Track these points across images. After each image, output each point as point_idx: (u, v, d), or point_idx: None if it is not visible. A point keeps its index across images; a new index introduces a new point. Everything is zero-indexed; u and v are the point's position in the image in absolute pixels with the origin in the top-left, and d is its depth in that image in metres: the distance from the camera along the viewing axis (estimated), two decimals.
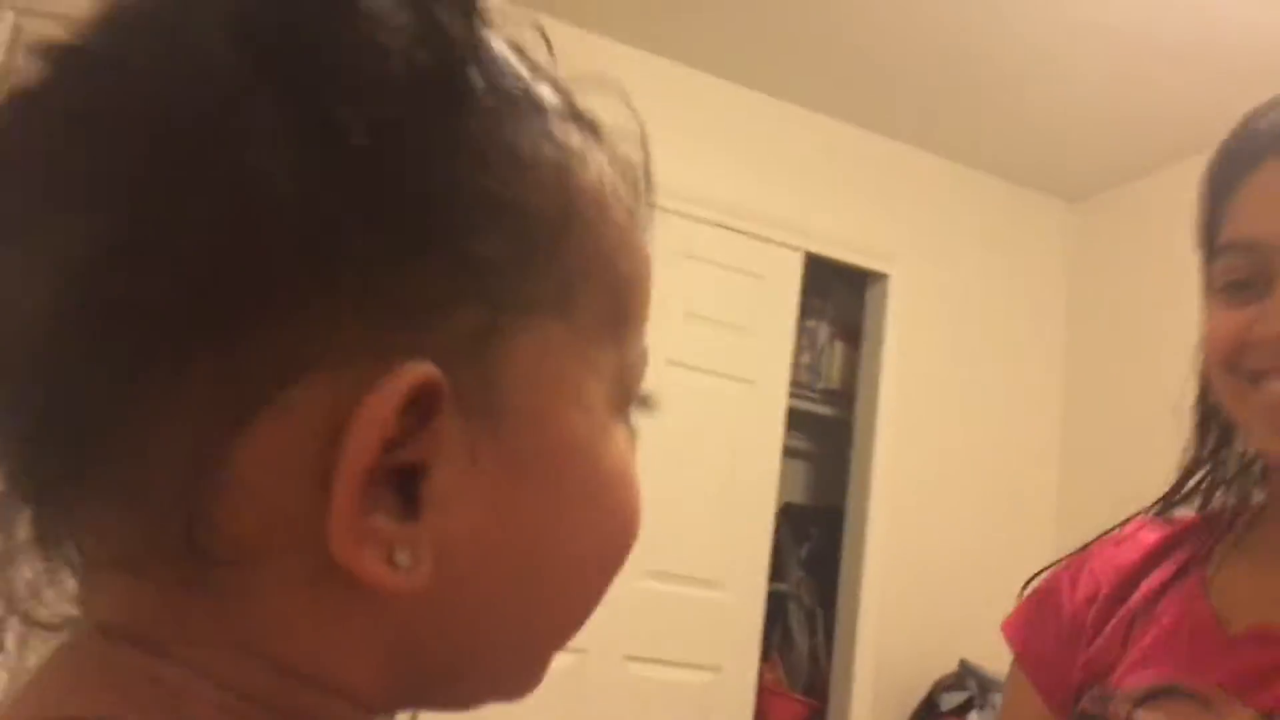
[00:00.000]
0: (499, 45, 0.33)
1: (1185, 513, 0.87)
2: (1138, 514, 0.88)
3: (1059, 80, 2.88)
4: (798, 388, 3.33)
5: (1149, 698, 0.73)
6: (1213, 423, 0.82)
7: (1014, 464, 3.33)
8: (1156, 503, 0.86)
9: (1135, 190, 3.27)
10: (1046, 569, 0.91)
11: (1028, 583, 0.93)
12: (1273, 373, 0.70)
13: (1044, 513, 3.24)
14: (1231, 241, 0.73)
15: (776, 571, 3.22)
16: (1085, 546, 0.89)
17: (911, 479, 3.18)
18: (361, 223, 0.29)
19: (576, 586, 0.37)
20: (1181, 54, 2.66)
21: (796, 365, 3.32)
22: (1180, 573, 0.80)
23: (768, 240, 3.13)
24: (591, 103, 0.38)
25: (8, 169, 0.31)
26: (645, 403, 0.39)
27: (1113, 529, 0.89)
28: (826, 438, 3.52)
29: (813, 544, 3.40)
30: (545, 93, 0.34)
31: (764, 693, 3.09)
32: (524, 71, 0.34)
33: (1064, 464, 3.35)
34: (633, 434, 0.38)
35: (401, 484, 0.30)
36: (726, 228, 3.08)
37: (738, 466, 3.00)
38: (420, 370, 0.29)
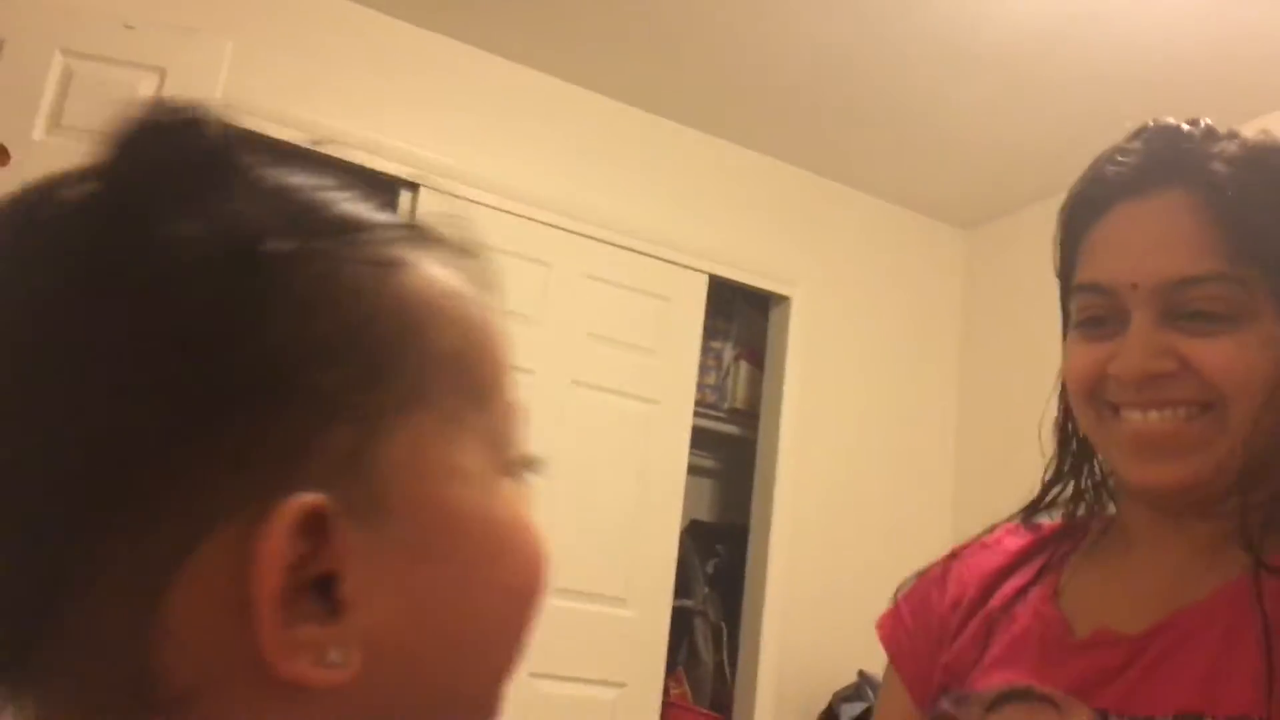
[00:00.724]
0: (287, 188, 0.38)
1: (1049, 520, 0.93)
2: (1005, 520, 0.93)
3: (953, 112, 3.01)
4: (704, 407, 3.40)
5: (1001, 700, 0.77)
6: (1072, 441, 0.87)
7: (910, 480, 3.44)
8: (1020, 511, 0.91)
9: (1025, 217, 3.41)
10: (920, 571, 0.96)
11: (904, 584, 0.98)
12: (1128, 405, 0.76)
13: (939, 528, 3.35)
14: (1085, 283, 0.79)
15: (683, 588, 3.27)
16: (956, 551, 0.94)
17: (813, 496, 3.26)
18: (216, 395, 0.33)
19: (500, 631, 0.41)
20: (1065, 86, 2.80)
21: (702, 385, 3.38)
22: (1036, 579, 0.85)
23: (673, 263, 3.20)
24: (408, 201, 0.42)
25: None
26: (529, 462, 0.43)
27: (981, 534, 0.94)
28: (732, 456, 3.59)
29: (719, 561, 3.45)
30: (354, 218, 0.39)
31: (669, 707, 3.13)
32: (324, 205, 0.38)
33: (958, 480, 3.47)
34: (521, 484, 0.42)
35: (321, 592, 0.35)
36: (632, 250, 3.13)
37: (644, 485, 3.05)
38: (302, 502, 0.34)
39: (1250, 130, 0.80)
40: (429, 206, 2.85)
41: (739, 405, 3.54)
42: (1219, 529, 0.75)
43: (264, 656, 0.33)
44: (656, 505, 3.06)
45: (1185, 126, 0.79)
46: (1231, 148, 0.76)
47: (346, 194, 0.40)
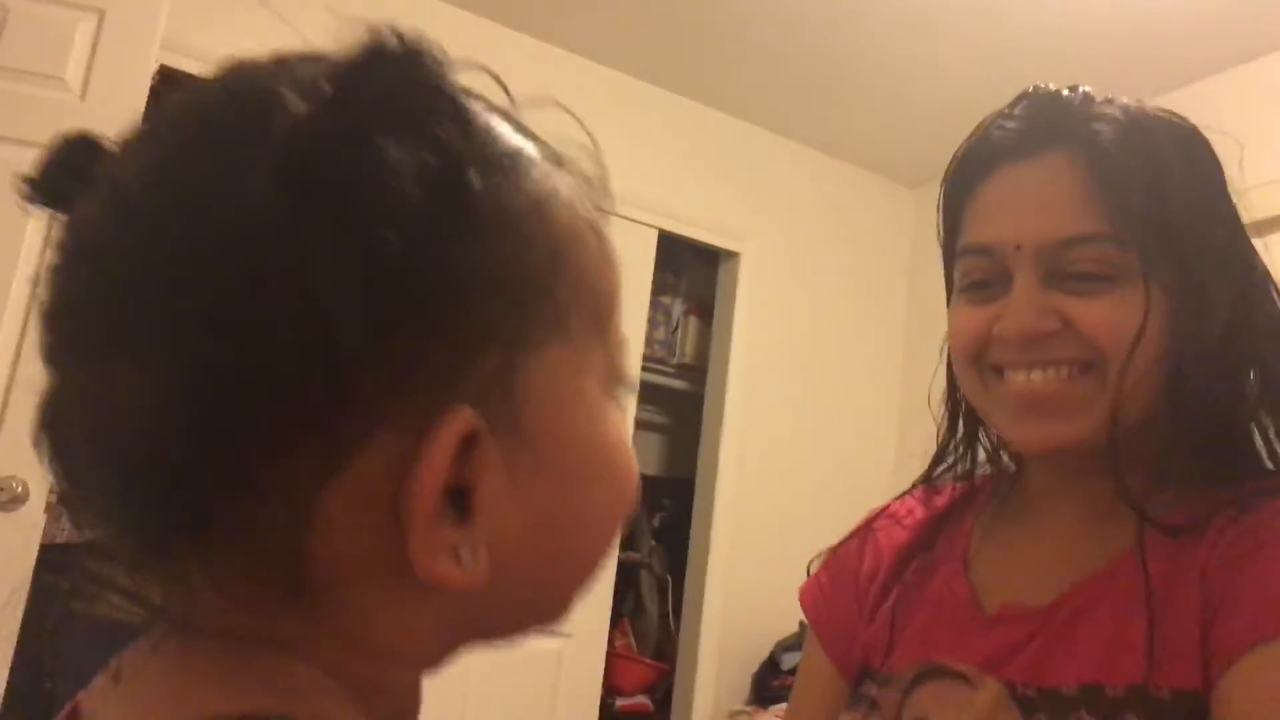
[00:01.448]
0: (483, 123, 0.40)
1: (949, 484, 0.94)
2: (912, 487, 0.94)
3: (905, 71, 3.02)
4: (653, 362, 3.41)
5: (918, 680, 0.78)
6: (962, 407, 0.88)
7: (854, 436, 3.49)
8: (918, 481, 0.93)
9: None
10: (836, 545, 0.95)
11: (821, 553, 0.98)
12: (1012, 366, 0.76)
13: (882, 483, 3.41)
14: (970, 245, 0.79)
15: (629, 541, 3.31)
16: (870, 522, 0.94)
17: (758, 450, 3.30)
18: (401, 316, 0.36)
19: (596, 540, 0.45)
20: (1017, 49, 2.82)
21: (651, 340, 3.40)
22: (945, 551, 0.87)
23: (622, 217, 3.19)
24: (537, 117, 0.44)
25: (91, 299, 0.37)
26: (628, 383, 0.46)
27: (893, 501, 0.95)
28: (681, 411, 3.61)
29: (665, 514, 3.50)
30: (520, 148, 0.41)
31: (614, 658, 3.18)
32: (503, 136, 0.40)
33: (901, 435, 3.52)
34: (622, 408, 0.45)
35: (455, 499, 0.38)
36: None
37: None
38: (461, 417, 0.37)
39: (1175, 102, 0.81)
40: None
41: (688, 360, 3.56)
42: (1113, 489, 0.75)
43: (409, 554, 0.37)
44: None
45: (1066, 92, 0.79)
46: (1112, 111, 0.77)
47: (509, 122, 0.42)
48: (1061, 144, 0.76)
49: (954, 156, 0.83)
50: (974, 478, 0.90)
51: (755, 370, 3.34)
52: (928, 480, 0.92)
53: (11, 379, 2.02)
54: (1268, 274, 0.79)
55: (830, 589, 0.92)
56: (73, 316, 0.38)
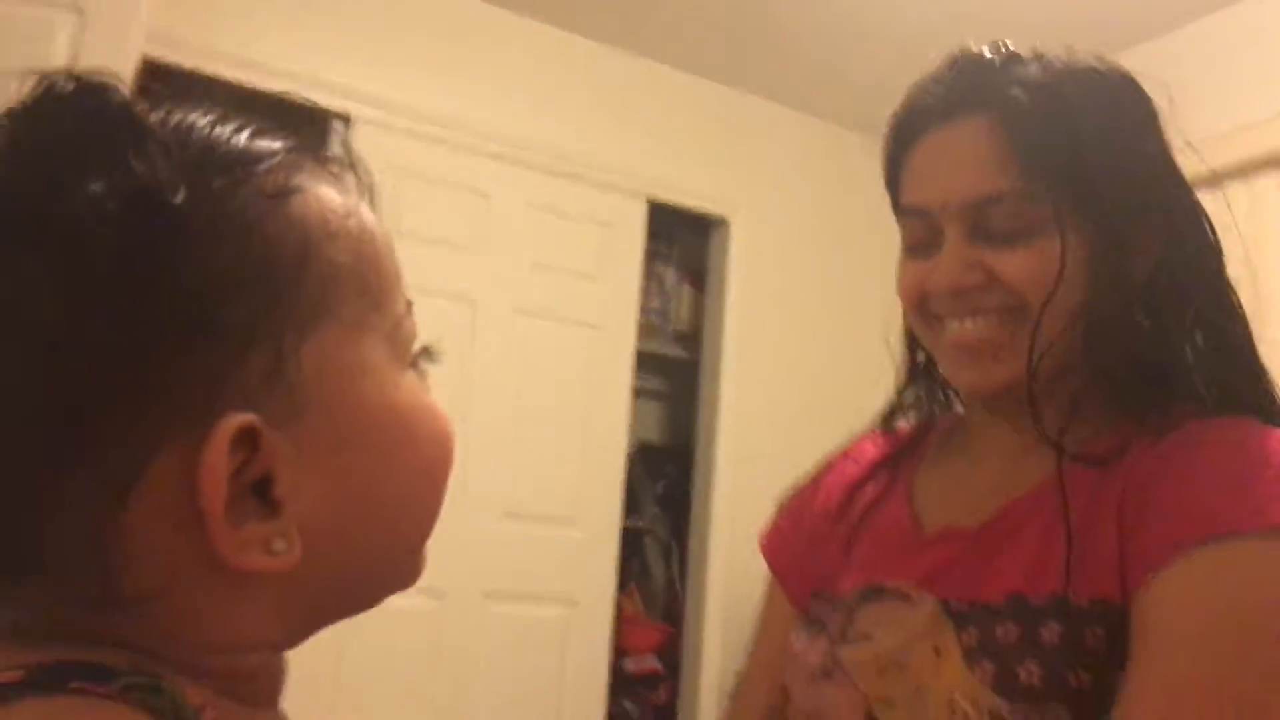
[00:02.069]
0: (197, 139, 0.42)
1: (906, 424, 0.99)
2: (870, 429, 1.00)
3: (890, 32, 3.02)
4: (649, 331, 3.45)
5: (863, 599, 0.83)
6: (918, 350, 0.94)
7: (849, 399, 3.50)
8: (877, 418, 0.98)
9: None
10: (800, 487, 1.02)
11: (786, 496, 1.04)
12: (949, 316, 0.82)
13: None
14: (905, 207, 0.86)
15: (633, 508, 3.36)
16: (826, 462, 1.01)
17: (756, 415, 3.34)
18: (134, 337, 0.38)
19: (418, 501, 0.48)
20: (1002, 7, 2.83)
21: (646, 309, 3.43)
22: (892, 483, 0.92)
23: (612, 188, 3.22)
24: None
25: None
26: (426, 353, 0.49)
27: (847, 443, 1.02)
28: (679, 379, 3.65)
29: (667, 481, 3.54)
30: (245, 155, 0.43)
31: (623, 622, 3.24)
32: (222, 148, 0.42)
33: None
34: (421, 374, 0.48)
35: (259, 493, 0.41)
36: (571, 177, 3.15)
37: (589, 409, 3.11)
38: (233, 421, 0.39)
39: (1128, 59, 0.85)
40: (363, 139, 2.85)
41: (684, 328, 3.60)
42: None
43: (219, 554, 0.40)
44: (602, 428, 3.13)
45: (988, 54, 0.84)
46: (1032, 71, 0.81)
47: (241, 129, 0.44)
48: (979, 107, 0.80)
49: (889, 121, 0.87)
50: (932, 417, 0.95)
51: (750, 336, 3.38)
52: (887, 420, 0.97)
53: None
54: (1198, 211, 0.83)
55: (786, 529, 0.99)
56: None
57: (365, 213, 0.47)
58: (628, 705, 3.25)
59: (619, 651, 3.19)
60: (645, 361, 3.40)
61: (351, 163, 0.49)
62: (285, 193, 0.43)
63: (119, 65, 2.33)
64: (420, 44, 3.01)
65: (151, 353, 0.38)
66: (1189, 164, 0.84)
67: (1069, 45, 0.84)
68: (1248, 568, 0.68)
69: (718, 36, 3.17)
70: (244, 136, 0.43)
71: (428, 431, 0.47)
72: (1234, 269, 0.83)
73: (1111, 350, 0.79)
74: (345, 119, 2.84)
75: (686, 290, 3.61)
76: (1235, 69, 2.59)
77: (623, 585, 3.26)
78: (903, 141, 0.86)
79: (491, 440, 2.92)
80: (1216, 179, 1.00)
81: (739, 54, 3.25)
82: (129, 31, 2.38)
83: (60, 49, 2.34)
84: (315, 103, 2.79)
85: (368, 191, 0.49)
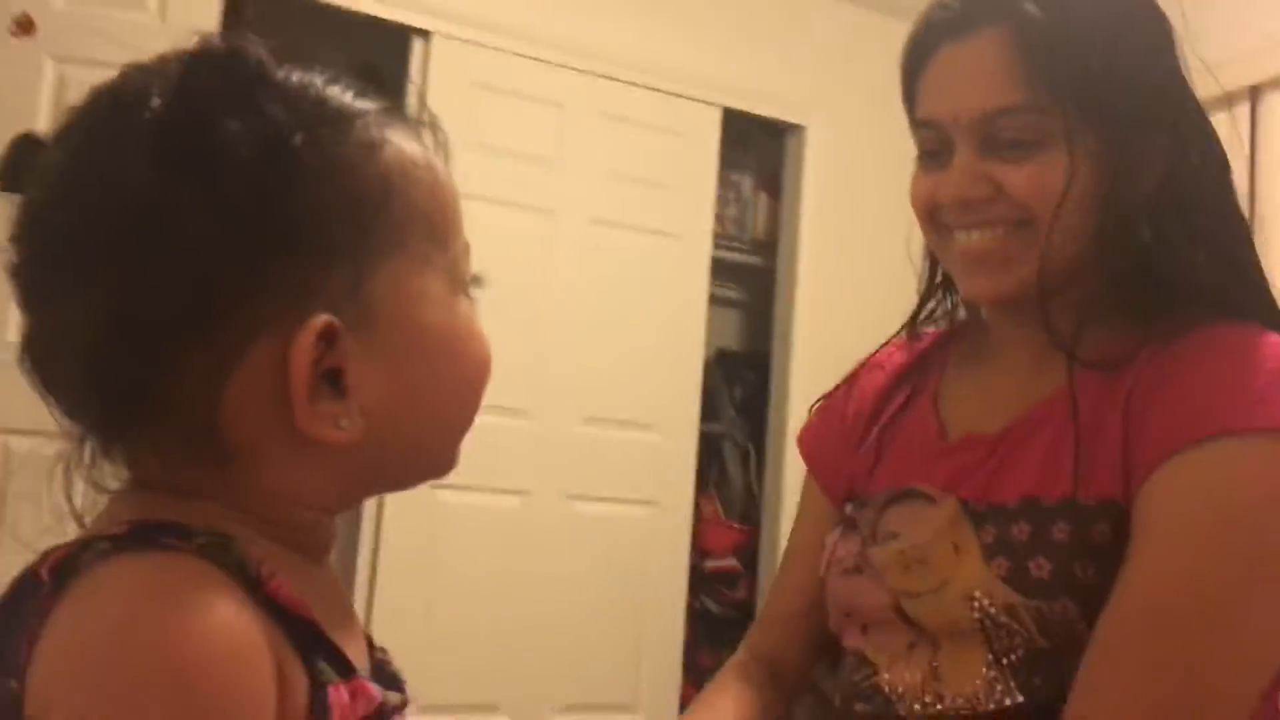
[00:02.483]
0: (310, 94, 0.52)
1: (934, 328, 1.04)
2: (895, 335, 1.05)
3: None
4: (725, 239, 3.48)
5: (891, 501, 0.90)
6: (938, 260, 0.97)
7: None
8: (903, 327, 1.03)
9: None
10: (832, 389, 1.08)
11: (817, 400, 1.10)
12: (957, 228, 0.86)
13: None
14: (919, 119, 0.88)
15: (712, 413, 3.44)
16: (858, 368, 1.06)
17: (830, 323, 3.35)
18: (257, 247, 0.49)
19: (457, 404, 0.58)
20: None
21: (723, 218, 3.45)
22: (919, 390, 0.98)
23: (685, 97, 3.22)
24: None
25: (38, 259, 0.52)
26: (476, 280, 0.60)
27: (877, 350, 1.06)
28: (756, 287, 3.68)
29: (745, 387, 3.61)
30: (345, 110, 0.53)
31: (703, 523, 3.35)
32: (329, 103, 0.53)
33: None
34: (472, 302, 0.59)
35: (332, 381, 0.51)
36: (644, 87, 3.17)
37: (667, 316, 3.17)
38: (319, 321, 0.50)
39: None
40: (441, 55, 2.90)
41: (760, 236, 3.61)
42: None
43: (297, 424, 0.50)
44: (679, 335, 3.19)
45: None
46: None
47: (347, 88, 0.54)
48: (992, 21, 0.83)
49: (907, 36, 0.90)
50: (955, 320, 1.00)
51: (826, 243, 3.38)
52: (912, 327, 1.01)
53: None
54: (1207, 128, 0.85)
55: (821, 428, 1.05)
56: (28, 273, 0.52)
57: (439, 165, 0.57)
58: (707, 601, 3.39)
59: (699, 551, 3.30)
60: (722, 269, 3.44)
61: (430, 122, 0.58)
62: (376, 144, 0.53)
63: None
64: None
65: (265, 258, 0.49)
66: (1204, 84, 0.85)
67: None
68: (1233, 465, 0.72)
69: None
70: (349, 95, 0.54)
71: (472, 350, 0.58)
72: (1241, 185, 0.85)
73: (1120, 261, 0.82)
74: (425, 34, 2.90)
75: (763, 199, 3.62)
76: None
77: (702, 488, 3.36)
78: (918, 56, 0.88)
79: (571, 348, 3.02)
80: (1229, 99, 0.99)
81: None
82: None
83: None
84: (394, 20, 2.86)
85: (442, 148, 0.58)
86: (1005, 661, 0.78)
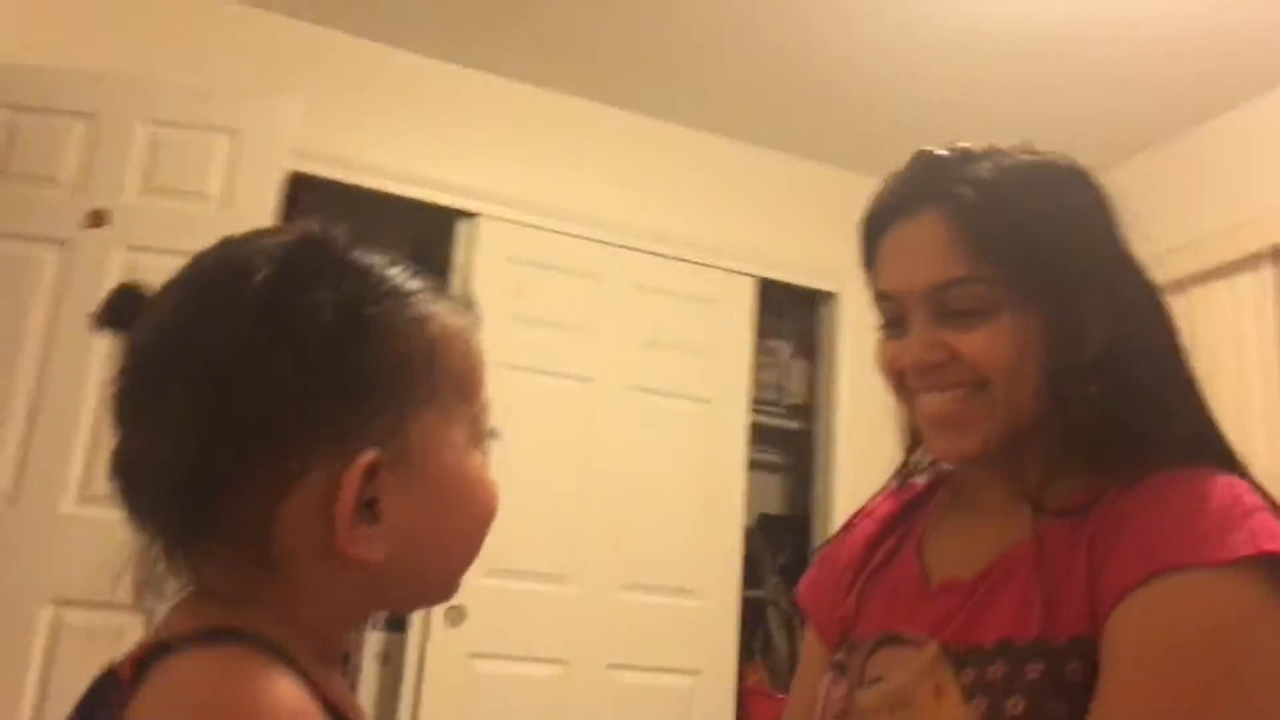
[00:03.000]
0: (378, 274, 0.63)
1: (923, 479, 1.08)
2: (885, 487, 1.09)
3: (985, 103, 3.09)
4: (764, 404, 3.53)
5: (877, 645, 0.92)
6: None
7: None
8: (892, 477, 1.07)
9: None
10: (830, 539, 1.12)
11: (817, 549, 1.14)
12: (921, 390, 0.92)
13: None
14: (878, 293, 0.95)
15: (755, 579, 3.41)
16: (852, 518, 1.11)
17: (870, 485, 3.32)
18: (327, 392, 0.58)
19: (464, 541, 0.66)
20: (1092, 74, 2.85)
21: (761, 383, 3.52)
22: (905, 537, 1.01)
23: (719, 268, 3.35)
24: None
25: (140, 387, 0.61)
26: (493, 434, 0.68)
27: (869, 501, 1.10)
28: (796, 451, 3.71)
29: (788, 552, 3.58)
30: (405, 289, 0.63)
31: (748, 693, 3.27)
32: (393, 282, 0.63)
33: None
34: (486, 453, 0.67)
35: (368, 507, 0.59)
36: (679, 259, 3.31)
37: (706, 481, 3.21)
38: (368, 456, 0.59)
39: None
40: (486, 233, 3.07)
41: (798, 401, 3.66)
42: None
43: (337, 541, 0.58)
44: (719, 500, 3.21)
45: (946, 153, 0.93)
46: (983, 169, 0.90)
47: (405, 270, 0.65)
48: (934, 201, 0.90)
49: (861, 216, 0.98)
50: (939, 470, 1.03)
51: (862, 405, 3.41)
52: (903, 475, 1.06)
53: None
54: (1148, 286, 0.91)
55: (817, 576, 1.09)
56: (128, 398, 0.61)
57: (473, 336, 0.67)
58: None
59: None
60: (762, 434, 3.48)
61: (468, 301, 0.69)
62: (425, 318, 0.63)
63: (268, 178, 2.61)
64: (534, 144, 3.23)
65: (331, 402, 0.58)
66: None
67: (1027, 140, 0.92)
68: (1181, 599, 0.75)
69: (814, 115, 3.29)
70: (406, 276, 0.64)
71: (481, 495, 0.66)
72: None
73: (1076, 414, 0.86)
74: (470, 215, 3.07)
75: (799, 364, 3.68)
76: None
77: (749, 656, 3.30)
78: (872, 234, 0.96)
79: (611, 513, 3.05)
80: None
81: (840, 131, 3.35)
82: (277, 149, 2.66)
83: (218, 167, 2.64)
84: (442, 204, 3.05)
85: (477, 320, 0.69)
86: None
